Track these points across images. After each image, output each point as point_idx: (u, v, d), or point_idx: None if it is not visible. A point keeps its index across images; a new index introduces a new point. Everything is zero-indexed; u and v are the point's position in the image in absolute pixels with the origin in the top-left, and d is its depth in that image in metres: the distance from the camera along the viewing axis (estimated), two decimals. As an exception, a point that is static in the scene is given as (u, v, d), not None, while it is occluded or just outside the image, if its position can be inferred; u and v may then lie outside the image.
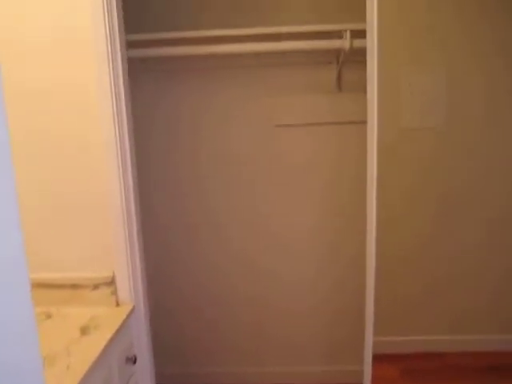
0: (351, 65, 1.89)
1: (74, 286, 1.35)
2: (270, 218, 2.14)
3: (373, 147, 1.48)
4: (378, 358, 1.81)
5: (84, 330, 1.20)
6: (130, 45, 1.55)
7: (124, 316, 1.29)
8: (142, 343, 1.41)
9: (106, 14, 1.24)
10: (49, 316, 1.30)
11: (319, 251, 2.15)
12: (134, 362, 1.29)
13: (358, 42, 1.63)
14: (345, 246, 2.13)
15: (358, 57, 1.64)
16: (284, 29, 1.71)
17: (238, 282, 2.22)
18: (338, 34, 1.71)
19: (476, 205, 2.30)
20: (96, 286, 1.34)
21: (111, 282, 1.34)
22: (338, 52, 1.85)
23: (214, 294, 2.24)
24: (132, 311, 1.35)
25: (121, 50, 1.29)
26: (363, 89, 1.49)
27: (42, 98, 1.28)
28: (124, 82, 1.30)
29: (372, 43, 1.36)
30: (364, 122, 1.52)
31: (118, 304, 1.36)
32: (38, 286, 1.35)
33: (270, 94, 2.01)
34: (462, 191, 2.29)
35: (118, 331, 1.22)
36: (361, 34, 1.51)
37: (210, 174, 2.13)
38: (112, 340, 1.17)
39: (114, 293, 1.34)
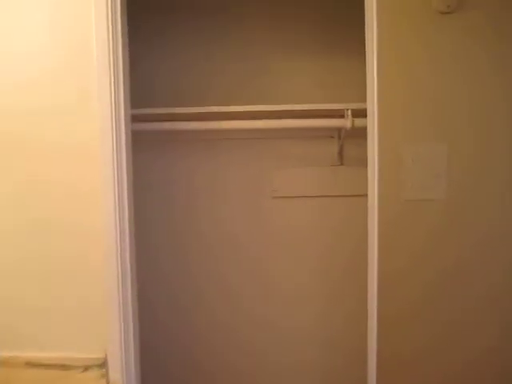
0: (353, 140, 1.92)
1: (64, 367, 1.28)
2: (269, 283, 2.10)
3: (374, 219, 1.48)
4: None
5: (70, 418, 1.13)
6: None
7: (114, 402, 1.22)
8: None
9: (113, 92, 1.28)
10: (34, 400, 1.23)
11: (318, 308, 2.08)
12: None
13: (359, 122, 1.67)
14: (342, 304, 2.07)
15: (359, 132, 1.68)
16: (286, 107, 1.76)
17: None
18: (340, 112, 1.76)
19: (478, 273, 2.26)
20: (86, 368, 1.28)
21: (103, 364, 1.27)
22: (339, 128, 1.89)
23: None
24: (123, 395, 1.28)
25: (125, 124, 1.31)
26: (365, 163, 1.51)
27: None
28: (127, 155, 1.32)
29: (372, 123, 1.39)
30: (366, 195, 1.53)
31: (108, 387, 1.28)
32: (27, 364, 1.29)
33: (270, 165, 2.04)
34: (464, 261, 2.26)
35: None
36: (362, 112, 1.56)
37: (207, 242, 2.12)
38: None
39: (105, 375, 1.28)
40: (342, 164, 2.00)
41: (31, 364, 1.29)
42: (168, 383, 2.17)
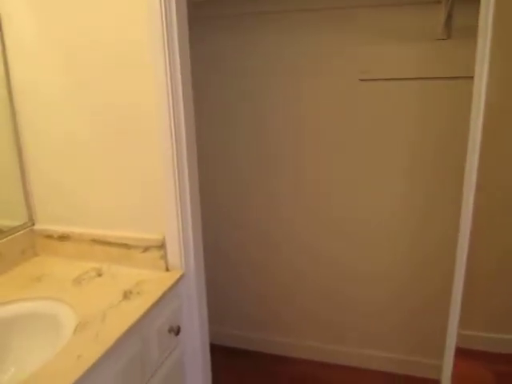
0: (466, 5, 1.52)
1: (126, 246, 1.30)
2: (350, 195, 1.92)
3: (479, 108, 1.17)
4: (463, 354, 1.55)
5: (126, 295, 1.15)
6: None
7: (170, 283, 1.21)
8: (191, 313, 1.33)
9: None
10: (99, 274, 1.28)
11: (403, 232, 1.89)
12: (177, 333, 1.22)
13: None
14: (432, 226, 1.84)
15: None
16: None
17: (307, 270, 2.08)
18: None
19: None
20: (146, 248, 1.28)
21: (161, 246, 1.26)
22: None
23: (280, 283, 2.13)
24: (181, 278, 1.27)
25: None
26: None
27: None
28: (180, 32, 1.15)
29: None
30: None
31: (167, 269, 1.28)
32: (93, 241, 1.33)
33: (355, 41, 1.73)
34: None
35: (161, 300, 1.15)
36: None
37: (279, 140, 1.95)
38: (151, 310, 1.10)
39: (164, 257, 1.27)
40: (449, 37, 1.62)
41: (96, 241, 1.32)
42: (236, 281, 2.22)
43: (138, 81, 1.17)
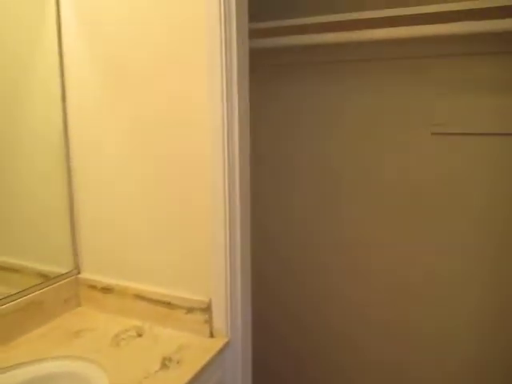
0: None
1: (169, 305, 1.21)
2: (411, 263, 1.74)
3: None
4: None
5: (165, 363, 1.04)
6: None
7: (213, 352, 1.10)
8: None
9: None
10: (139, 334, 1.19)
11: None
12: (218, 410, 1.09)
13: None
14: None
15: None
16: (452, 6, 1.28)
17: (352, 333, 1.89)
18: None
19: None
20: (190, 310, 1.18)
21: (206, 309, 1.16)
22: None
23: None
24: (226, 346, 1.15)
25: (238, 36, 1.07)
26: None
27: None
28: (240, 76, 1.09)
29: None
30: None
31: (211, 334, 1.17)
32: (137, 297, 1.25)
33: (429, 92, 1.60)
34: None
35: (202, 372, 1.03)
36: None
37: (341, 193, 1.83)
38: (192, 381, 0.99)
39: (208, 321, 1.16)
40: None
41: (140, 297, 1.25)
42: (283, 356, 2.06)
43: (194, 136, 1.12)
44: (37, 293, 1.22)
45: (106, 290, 1.29)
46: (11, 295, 1.17)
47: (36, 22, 1.21)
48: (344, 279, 1.88)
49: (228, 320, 1.16)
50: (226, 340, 1.16)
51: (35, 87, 1.22)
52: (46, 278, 1.27)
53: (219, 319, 1.16)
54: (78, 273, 1.35)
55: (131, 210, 1.24)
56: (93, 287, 1.32)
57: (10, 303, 1.15)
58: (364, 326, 1.87)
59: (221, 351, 1.13)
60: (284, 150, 1.89)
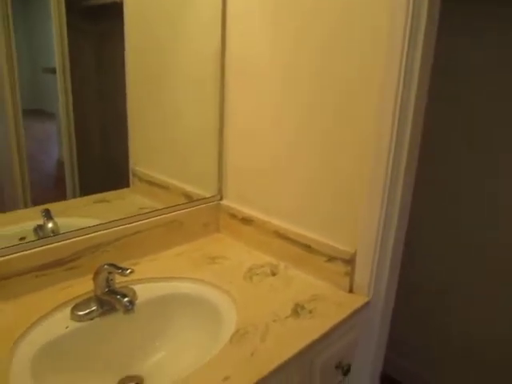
0: None
1: (309, 249, 1.10)
2: None
3: None
4: None
5: (296, 310, 0.95)
6: None
7: (350, 309, 0.97)
8: (367, 351, 1.07)
9: None
10: (274, 273, 1.11)
11: None
12: (345, 372, 0.97)
13: None
14: None
15: None
16: None
17: None
18: None
19: None
20: (331, 258, 1.06)
21: (349, 260, 1.02)
22: None
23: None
24: (365, 306, 1.01)
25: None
26: None
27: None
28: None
29: None
30: None
31: (350, 290, 1.04)
32: (276, 234, 1.17)
33: None
34: None
35: (336, 328, 0.92)
36: None
37: None
38: (321, 339, 0.89)
39: (349, 274, 1.03)
40: None
41: (279, 234, 1.16)
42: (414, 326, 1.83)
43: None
44: (180, 212, 1.22)
45: (246, 221, 1.24)
46: (157, 210, 1.18)
47: None
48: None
49: (372, 277, 1.01)
50: (366, 299, 1.02)
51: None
52: (189, 199, 1.26)
53: (362, 274, 1.02)
54: (221, 199, 1.32)
55: (283, 147, 1.13)
56: (233, 216, 1.28)
57: (155, 218, 1.17)
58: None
59: (359, 310, 0.99)
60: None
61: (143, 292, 0.99)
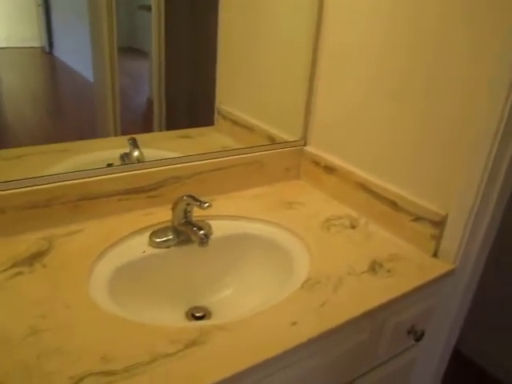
0: None
1: (394, 205, 1.02)
2: None
3: None
4: None
5: (374, 267, 0.90)
6: None
7: (433, 275, 0.90)
8: (443, 321, 1.00)
9: None
10: (353, 226, 1.06)
11: None
12: (418, 339, 0.92)
13: None
14: None
15: None
16: None
17: None
18: None
19: None
20: (418, 218, 0.98)
21: (439, 223, 0.94)
22: None
23: None
24: (449, 274, 0.94)
25: None
26: None
27: None
28: None
29: None
30: None
31: (435, 254, 0.96)
32: (359, 185, 1.11)
33: None
34: None
35: (414, 292, 0.86)
36: None
37: None
38: (397, 301, 0.83)
39: (436, 238, 0.95)
40: None
41: (362, 186, 1.09)
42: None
43: None
44: (262, 153, 1.19)
45: (329, 169, 1.18)
46: (239, 148, 1.16)
47: None
48: None
49: (462, 245, 0.92)
50: (451, 267, 0.93)
51: None
52: (273, 141, 1.22)
53: (451, 240, 0.93)
54: (304, 145, 1.27)
55: (374, 100, 1.04)
56: (316, 163, 1.22)
57: (237, 156, 1.15)
58: None
59: (441, 277, 0.92)
60: None
61: (218, 228, 0.99)
